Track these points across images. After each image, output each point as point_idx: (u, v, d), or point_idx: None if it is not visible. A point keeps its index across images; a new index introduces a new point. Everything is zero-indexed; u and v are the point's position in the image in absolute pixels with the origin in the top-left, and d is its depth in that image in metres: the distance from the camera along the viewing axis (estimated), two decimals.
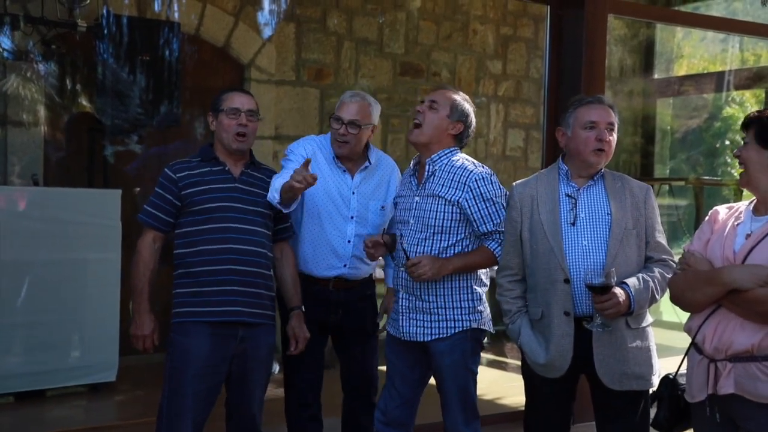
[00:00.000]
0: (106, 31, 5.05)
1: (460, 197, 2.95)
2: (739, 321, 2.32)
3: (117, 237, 4.75)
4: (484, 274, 3.09)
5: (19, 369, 4.56)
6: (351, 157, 3.30)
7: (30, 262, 4.59)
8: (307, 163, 2.89)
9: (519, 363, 3.02)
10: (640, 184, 2.91)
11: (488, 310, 3.07)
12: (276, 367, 4.39)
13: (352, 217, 3.30)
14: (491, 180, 2.98)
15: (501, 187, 3.00)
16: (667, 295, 2.64)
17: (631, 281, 2.70)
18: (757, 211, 2.43)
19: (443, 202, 2.96)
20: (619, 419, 2.83)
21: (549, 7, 4.62)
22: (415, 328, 3.01)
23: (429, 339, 2.99)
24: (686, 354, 2.51)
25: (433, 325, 2.98)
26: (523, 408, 3.03)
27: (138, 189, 5.37)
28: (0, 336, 4.53)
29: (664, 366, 2.82)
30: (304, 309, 3.19)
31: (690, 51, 9.49)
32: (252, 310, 2.98)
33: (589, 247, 2.75)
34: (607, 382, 2.74)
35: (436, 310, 2.98)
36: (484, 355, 5.78)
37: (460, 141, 3.07)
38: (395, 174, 3.42)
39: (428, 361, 3.04)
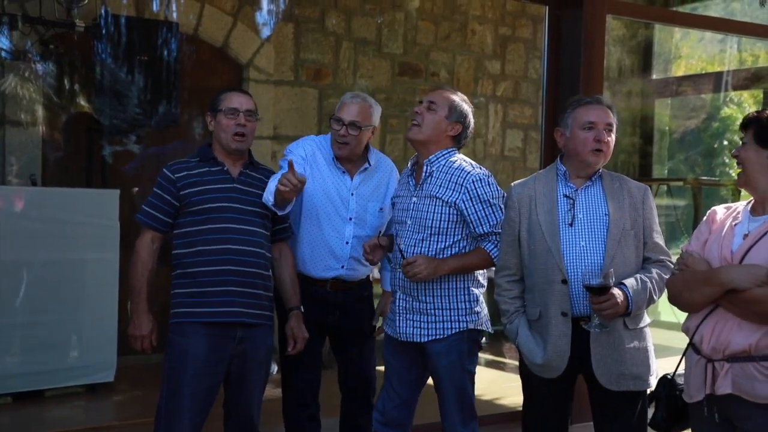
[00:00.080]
0: (104, 31, 5.05)
1: (457, 198, 2.95)
2: (736, 321, 2.33)
3: (115, 237, 4.74)
4: (481, 275, 3.09)
5: (18, 369, 4.56)
6: (351, 159, 3.30)
7: (28, 262, 4.58)
8: (290, 165, 2.88)
9: (517, 363, 3.02)
10: (639, 184, 2.91)
11: (486, 310, 3.07)
12: (274, 368, 4.39)
13: (350, 219, 3.29)
14: (488, 181, 2.98)
15: (498, 188, 3.00)
16: (665, 295, 2.65)
17: (629, 282, 2.70)
18: (754, 211, 2.44)
19: (440, 204, 2.96)
20: (616, 419, 2.83)
21: (547, 7, 4.63)
22: (412, 329, 3.01)
23: (426, 340, 2.99)
24: (684, 354, 2.51)
25: (430, 326, 2.98)
26: (521, 408, 3.03)
27: (136, 189, 5.37)
28: None
29: (662, 366, 2.83)
30: (302, 309, 3.19)
31: (688, 51, 9.50)
32: (250, 310, 2.98)
33: (587, 247, 2.75)
34: (604, 383, 2.74)
35: (433, 311, 2.98)
36: (483, 356, 5.80)
37: (458, 142, 3.07)
38: (394, 175, 3.42)
39: (425, 361, 3.04)
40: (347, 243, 3.29)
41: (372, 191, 3.35)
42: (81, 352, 4.77)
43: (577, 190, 2.84)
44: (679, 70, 9.07)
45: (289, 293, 3.18)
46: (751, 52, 9.13)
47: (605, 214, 2.78)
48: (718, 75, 8.64)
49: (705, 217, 2.57)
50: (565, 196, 2.83)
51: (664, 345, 3.97)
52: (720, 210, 2.55)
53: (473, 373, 3.06)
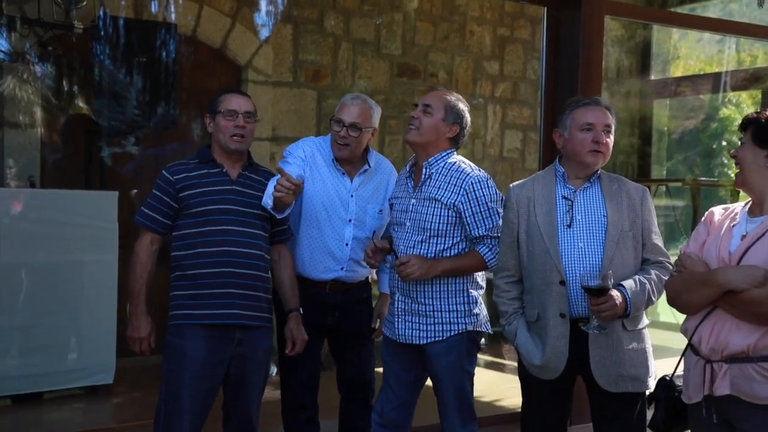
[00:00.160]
0: (102, 33, 5.05)
1: (456, 200, 2.95)
2: (734, 322, 2.33)
3: (114, 239, 4.74)
4: (480, 276, 3.09)
5: (16, 371, 4.55)
6: (350, 160, 3.30)
7: (27, 264, 4.58)
8: (280, 171, 2.87)
9: (516, 364, 3.02)
10: (637, 185, 2.91)
11: (485, 311, 3.07)
12: (273, 369, 4.39)
13: (350, 220, 3.29)
14: (488, 184, 2.98)
15: (497, 191, 3.00)
16: (664, 296, 2.65)
17: (628, 283, 2.70)
18: (752, 212, 2.44)
19: (440, 206, 2.96)
20: (615, 420, 2.84)
21: (546, 8, 4.63)
22: (410, 331, 3.01)
23: (425, 342, 2.99)
24: (683, 355, 2.51)
25: (429, 328, 2.98)
26: (520, 409, 3.03)
27: (135, 191, 5.37)
28: None
29: (661, 367, 2.83)
30: (301, 311, 3.18)
31: (686, 52, 9.51)
32: (250, 312, 2.98)
33: (585, 249, 2.76)
34: (603, 384, 2.74)
35: (432, 312, 2.98)
36: (482, 357, 5.80)
37: (456, 142, 3.07)
38: (393, 177, 3.41)
39: (424, 362, 3.04)
40: (347, 245, 3.28)
41: (371, 193, 3.35)
42: (80, 354, 4.77)
43: (575, 191, 2.84)
44: (677, 71, 9.07)
45: (288, 295, 3.18)
46: (750, 53, 9.13)
47: (604, 216, 2.79)
48: (717, 76, 8.65)
49: (703, 218, 2.57)
50: (564, 197, 2.83)
51: (663, 346, 3.97)
52: (718, 211, 2.55)
53: (472, 374, 3.06)
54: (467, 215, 2.95)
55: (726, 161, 9.59)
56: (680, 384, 2.55)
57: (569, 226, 2.79)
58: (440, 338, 2.97)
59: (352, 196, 3.30)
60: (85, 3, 5.03)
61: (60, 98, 5.31)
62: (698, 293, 2.38)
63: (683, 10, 7.61)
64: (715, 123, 10.05)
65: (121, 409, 4.80)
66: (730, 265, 2.35)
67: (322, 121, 6.03)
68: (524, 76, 7.16)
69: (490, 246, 2.96)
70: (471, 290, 3.03)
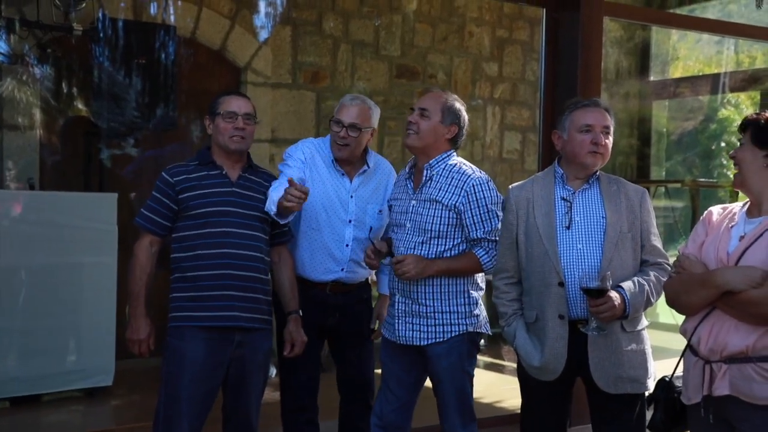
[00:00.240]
0: (101, 35, 5.05)
1: (456, 201, 2.95)
2: (733, 323, 2.33)
3: (113, 241, 4.74)
4: (480, 277, 3.10)
5: (15, 373, 4.54)
6: (350, 161, 3.30)
7: (26, 267, 4.58)
8: (291, 182, 2.86)
9: (516, 366, 3.02)
10: (636, 187, 2.91)
11: (485, 312, 3.08)
12: (273, 371, 4.39)
13: (350, 221, 3.29)
14: (489, 186, 2.99)
15: (497, 193, 3.01)
16: (663, 297, 2.65)
17: (627, 285, 2.70)
18: (750, 213, 2.44)
19: (440, 207, 2.97)
20: (615, 422, 2.84)
21: (545, 9, 4.63)
22: (411, 332, 3.01)
23: (426, 343, 2.99)
24: (682, 356, 2.51)
25: (429, 329, 2.98)
26: (520, 411, 3.03)
27: (134, 193, 5.37)
28: None
29: (660, 368, 2.83)
30: (301, 313, 3.18)
31: (685, 53, 9.52)
32: (249, 314, 2.98)
33: (584, 250, 2.76)
34: (602, 386, 2.74)
35: (432, 313, 2.98)
36: (482, 358, 5.80)
37: (455, 142, 3.08)
38: (392, 177, 3.42)
39: (424, 363, 3.04)
40: (347, 245, 3.29)
41: (371, 193, 3.35)
42: (79, 356, 4.76)
43: (574, 192, 2.84)
44: (676, 72, 9.08)
45: (288, 297, 3.18)
46: (748, 54, 9.14)
47: (602, 217, 2.79)
48: (716, 77, 8.66)
49: (702, 218, 2.57)
50: (563, 199, 2.83)
51: (662, 347, 3.97)
52: (716, 210, 2.55)
53: (472, 375, 3.06)
54: (467, 217, 2.95)
55: (725, 162, 9.60)
56: (679, 385, 2.56)
57: (568, 227, 2.79)
58: (441, 339, 2.97)
59: (351, 196, 3.31)
60: (84, 5, 5.03)
61: (59, 100, 5.31)
62: (697, 294, 2.38)
63: (682, 11, 7.62)
64: (714, 124, 10.06)
65: (120, 412, 4.79)
66: (728, 266, 2.36)
67: (321, 123, 6.03)
68: (523, 77, 7.17)
69: (487, 249, 2.96)
70: (471, 291, 3.03)
